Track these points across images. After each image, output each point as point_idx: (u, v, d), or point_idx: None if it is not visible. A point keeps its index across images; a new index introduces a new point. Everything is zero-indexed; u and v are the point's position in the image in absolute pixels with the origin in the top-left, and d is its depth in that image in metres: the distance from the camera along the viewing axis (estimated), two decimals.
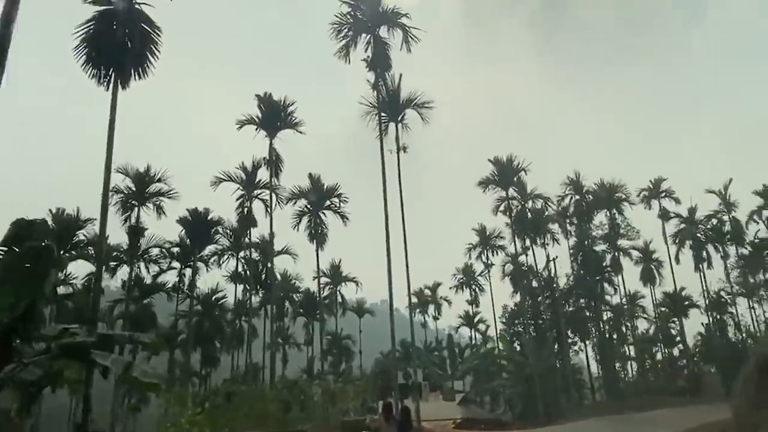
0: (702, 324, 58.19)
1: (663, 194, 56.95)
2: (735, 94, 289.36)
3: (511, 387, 41.77)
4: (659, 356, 67.65)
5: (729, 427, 13.02)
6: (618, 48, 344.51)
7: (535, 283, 51.51)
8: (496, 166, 44.53)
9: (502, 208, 46.51)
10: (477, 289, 63.33)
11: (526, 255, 52.47)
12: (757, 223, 53.38)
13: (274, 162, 35.00)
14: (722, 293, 58.33)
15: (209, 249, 40.36)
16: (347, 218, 36.69)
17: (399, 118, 31.53)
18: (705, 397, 45.35)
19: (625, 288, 54.70)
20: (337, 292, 56.67)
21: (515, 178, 44.95)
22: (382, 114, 31.32)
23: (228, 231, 39.68)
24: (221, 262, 40.96)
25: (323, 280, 57.71)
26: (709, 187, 55.02)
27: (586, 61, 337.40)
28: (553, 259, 47.48)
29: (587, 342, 60.10)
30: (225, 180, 37.33)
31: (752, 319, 53.73)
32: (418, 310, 68.22)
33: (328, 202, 38.40)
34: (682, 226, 56.47)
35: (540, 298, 49.36)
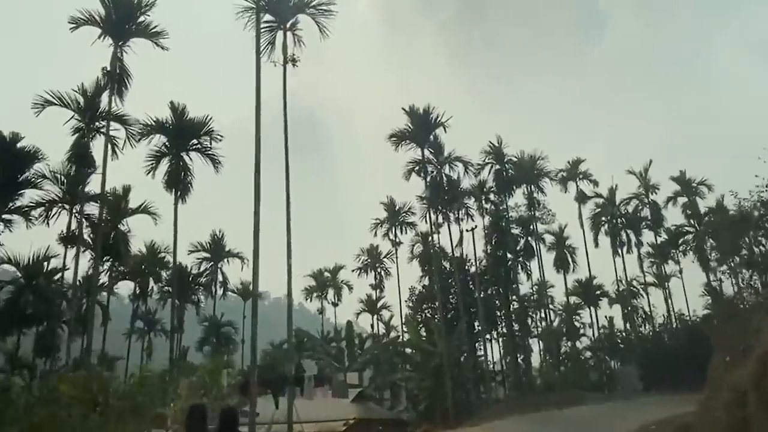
0: (624, 314, 55.46)
1: (580, 176, 53.32)
2: (625, 106, 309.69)
3: (416, 380, 35.21)
4: (563, 349, 64.88)
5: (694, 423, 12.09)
6: (523, 60, 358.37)
7: (447, 265, 45.50)
8: (412, 117, 37.75)
9: (417, 172, 39.67)
10: (383, 273, 56.76)
11: (439, 233, 46.46)
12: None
13: (117, 78, 25.84)
14: (634, 283, 55.82)
15: (29, 197, 29.71)
16: (219, 163, 28.10)
17: (288, 25, 23.84)
18: (623, 393, 41.62)
19: (542, 275, 50.32)
20: (218, 270, 47.61)
21: (432, 136, 38.51)
22: (268, 19, 23.45)
23: (58, 175, 29.48)
24: (49, 216, 30.52)
25: (201, 255, 48.53)
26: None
27: (494, 70, 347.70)
28: (472, 230, 41.58)
29: (495, 333, 55.75)
30: (54, 103, 27.55)
31: (668, 311, 51.33)
32: (315, 295, 60.47)
33: (194, 141, 29.76)
34: (599, 210, 53.16)
35: (451, 280, 43.38)
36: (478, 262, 49.54)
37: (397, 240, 50.04)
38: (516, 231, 53.09)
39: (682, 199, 52.70)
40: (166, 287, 44.87)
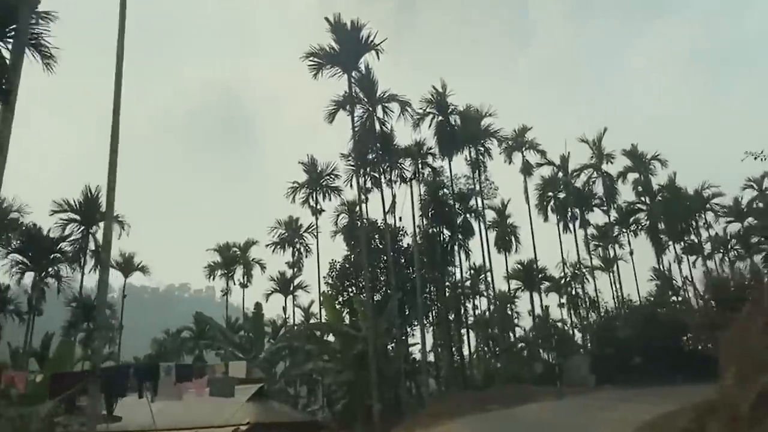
0: (567, 299, 50.42)
1: (526, 145, 47.71)
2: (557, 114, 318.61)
3: (334, 373, 27.78)
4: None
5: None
6: (457, 62, 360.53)
7: (378, 238, 38.31)
8: (337, 33, 29.39)
9: (344, 106, 31.65)
10: (303, 249, 48.77)
11: (367, 199, 39.17)
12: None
13: None
14: (580, 265, 51.09)
15: None
16: (50, 55, 19.06)
17: None
18: (578, 388, 36.17)
19: (487, 256, 44.12)
20: (90, 237, 37.84)
21: (362, 65, 30.90)
22: None
23: None
24: None
25: (67, 216, 38.48)
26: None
27: (431, 68, 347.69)
28: (412, 183, 34.53)
29: (426, 320, 49.55)
30: None
31: (615, 297, 46.74)
32: (219, 273, 51.54)
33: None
34: (546, 182, 47.74)
35: (382, 255, 36.29)
36: (416, 236, 43.02)
37: (319, 207, 42.38)
38: (456, 206, 46.98)
39: (632, 176, 48.50)
40: (17, 255, 34.84)
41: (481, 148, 41.27)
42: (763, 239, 56.46)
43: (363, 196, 38.00)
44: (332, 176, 41.60)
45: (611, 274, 50.22)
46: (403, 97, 33.37)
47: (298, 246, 48.38)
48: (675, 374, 35.11)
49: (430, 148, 40.71)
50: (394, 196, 37.06)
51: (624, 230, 46.39)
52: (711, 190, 49.67)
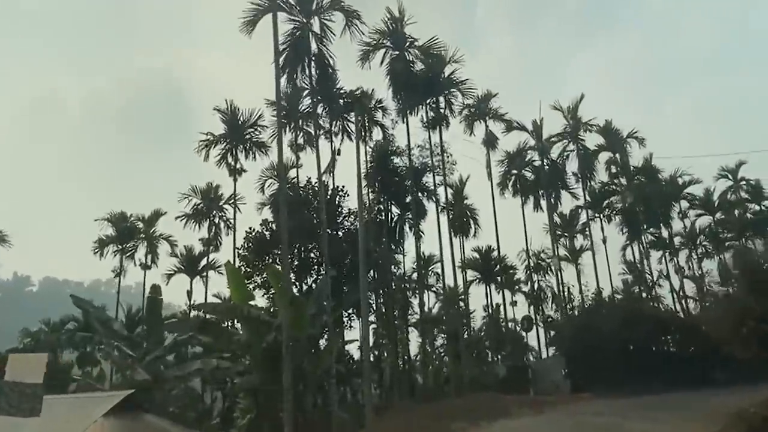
0: (530, 294, 43.88)
1: (490, 114, 40.99)
2: None
3: (235, 374, 19.66)
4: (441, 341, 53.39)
5: None
6: None
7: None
8: None
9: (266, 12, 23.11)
10: (223, 223, 39.86)
11: (298, 159, 31.19)
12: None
13: None
14: (543, 255, 44.89)
15: None
16: None
17: None
18: (548, 395, 29.47)
19: (446, 243, 36.84)
20: None
21: None
22: None
23: None
24: None
25: None
26: None
27: None
28: (359, 143, 26.78)
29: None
30: None
31: (580, 292, 40.49)
32: (113, 250, 41.79)
33: None
34: (509, 156, 41.10)
35: (317, 229, 28.36)
36: (362, 206, 35.49)
37: (240, 167, 33.79)
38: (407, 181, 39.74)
39: (606, 155, 42.77)
40: None
41: (443, 102, 34.01)
42: (734, 235, 52.45)
43: (293, 155, 30.06)
44: (257, 128, 33.23)
45: (576, 265, 44.42)
46: (350, 7, 25.36)
47: (216, 219, 39.54)
48: (654, 379, 29.25)
49: (381, 101, 33.15)
50: (334, 152, 29.24)
51: (597, 215, 40.46)
52: (686, 177, 44.82)
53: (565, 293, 38.61)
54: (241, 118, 33.03)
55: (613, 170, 41.82)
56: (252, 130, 33.26)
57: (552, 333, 38.61)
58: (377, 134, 37.01)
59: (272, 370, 17.76)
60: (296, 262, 25.69)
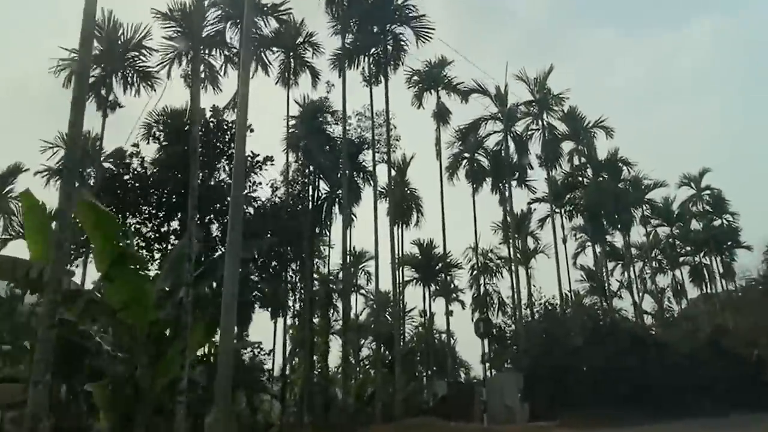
0: (474, 298, 37.29)
1: (443, 84, 34.65)
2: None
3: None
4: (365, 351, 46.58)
5: None
6: None
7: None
8: None
9: None
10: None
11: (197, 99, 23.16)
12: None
13: None
14: (491, 255, 38.75)
15: None
16: None
17: None
18: (501, 424, 22.77)
19: (390, 235, 29.75)
20: None
21: None
22: None
23: None
24: None
25: None
26: None
27: None
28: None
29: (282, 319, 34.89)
30: None
31: (529, 299, 34.34)
32: None
33: None
34: (461, 134, 34.63)
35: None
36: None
37: (114, 100, 25.10)
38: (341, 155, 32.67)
39: (569, 145, 37.32)
40: None
41: (391, 43, 27.18)
42: (689, 249, 48.68)
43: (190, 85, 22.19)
44: (144, 52, 24.88)
45: (526, 269, 38.60)
46: None
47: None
48: (629, 406, 23.70)
49: (312, 36, 25.91)
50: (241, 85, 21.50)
51: (557, 211, 34.77)
52: (650, 179, 40.24)
53: (517, 299, 32.35)
54: (122, 37, 24.61)
55: (576, 162, 36.47)
56: (136, 53, 24.92)
57: (500, 345, 32.30)
58: (305, 85, 29.71)
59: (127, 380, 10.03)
60: (161, 215, 17.68)
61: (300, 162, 31.20)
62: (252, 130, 17.75)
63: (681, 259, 47.88)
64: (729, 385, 30.39)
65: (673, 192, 45.42)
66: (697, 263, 47.43)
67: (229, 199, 17.53)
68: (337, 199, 32.78)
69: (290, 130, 29.32)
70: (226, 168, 18.24)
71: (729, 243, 45.46)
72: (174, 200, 17.18)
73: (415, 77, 34.48)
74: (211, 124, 18.55)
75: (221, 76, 25.20)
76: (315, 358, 33.89)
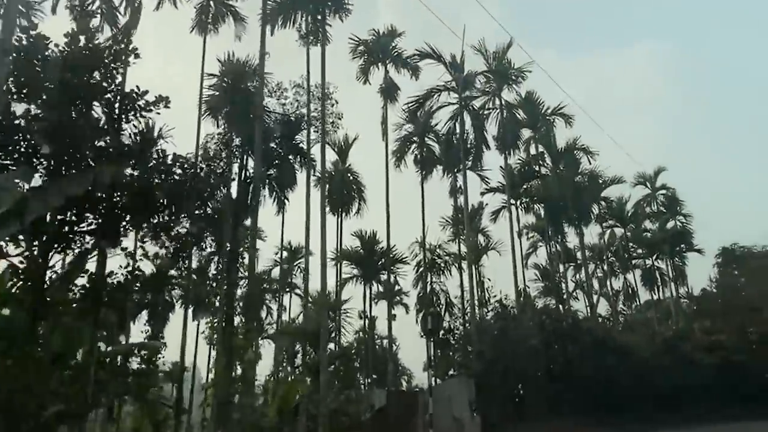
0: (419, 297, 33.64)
1: (392, 57, 31.15)
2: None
3: None
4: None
5: None
6: None
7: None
8: None
9: None
10: None
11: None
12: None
13: None
14: (439, 251, 35.35)
15: None
16: None
17: None
18: None
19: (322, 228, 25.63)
20: None
21: None
22: None
23: None
24: None
25: None
26: None
27: None
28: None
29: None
30: None
31: (480, 296, 31.04)
32: None
33: None
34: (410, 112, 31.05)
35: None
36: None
37: None
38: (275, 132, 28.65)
39: (526, 133, 34.46)
40: None
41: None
42: (642, 252, 47.02)
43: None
44: None
45: (476, 267, 35.44)
46: None
47: None
48: (592, 414, 20.85)
49: None
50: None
51: (513, 202, 31.73)
52: (608, 174, 37.94)
53: (468, 297, 28.99)
54: None
55: (533, 152, 33.64)
56: None
57: (446, 349, 28.81)
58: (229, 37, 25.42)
59: None
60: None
61: (224, 135, 26.85)
62: (137, 56, 13.41)
63: (633, 261, 46.23)
64: (691, 392, 28.39)
65: (628, 191, 43.71)
66: (649, 266, 45.86)
67: None
68: (268, 181, 28.62)
69: (210, 93, 24.94)
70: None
71: (682, 246, 44.05)
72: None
73: (361, 47, 30.86)
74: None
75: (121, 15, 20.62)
76: (238, 364, 29.59)
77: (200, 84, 23.87)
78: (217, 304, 27.04)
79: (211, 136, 26.75)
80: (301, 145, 29.59)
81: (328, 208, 31.59)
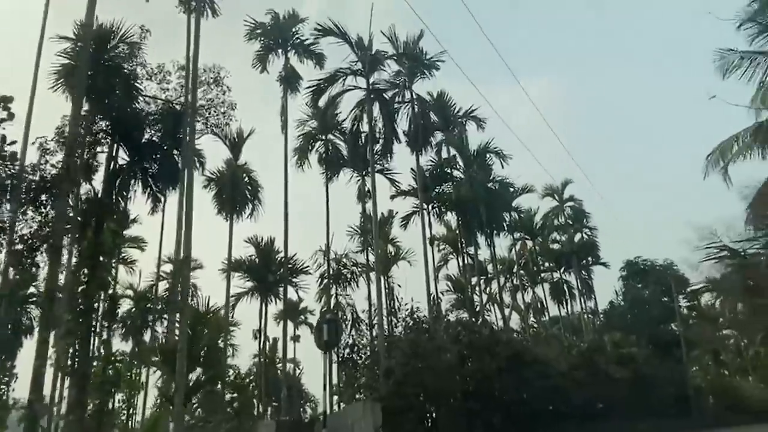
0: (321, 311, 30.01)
1: (293, 43, 28.06)
2: None
3: None
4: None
5: None
6: None
7: None
8: None
9: None
10: None
11: None
12: None
13: None
14: (345, 260, 32.14)
15: None
16: None
17: None
18: None
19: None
20: None
21: None
22: None
23: None
24: None
25: None
26: None
27: None
28: None
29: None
30: None
31: (390, 310, 28.04)
32: None
33: None
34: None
35: None
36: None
37: None
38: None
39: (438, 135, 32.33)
40: None
41: None
42: (549, 265, 46.56)
43: None
44: None
45: (386, 279, 32.67)
46: None
47: None
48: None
49: None
50: None
51: (425, 207, 29.30)
52: (518, 183, 36.79)
53: (376, 311, 25.93)
54: None
55: (445, 155, 31.55)
56: None
57: (352, 368, 25.46)
58: None
59: None
60: None
61: (86, 117, 22.26)
62: None
63: (542, 275, 45.63)
64: (606, 406, 27.23)
65: (536, 203, 43.18)
66: (557, 280, 45.45)
67: None
68: (141, 173, 24.23)
69: (65, 59, 20.49)
70: None
71: (589, 258, 44.01)
72: None
73: (259, 31, 27.50)
74: None
75: None
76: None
77: (39, 47, 19.34)
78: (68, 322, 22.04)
79: (74, 119, 22.12)
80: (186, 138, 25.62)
81: (216, 211, 27.69)
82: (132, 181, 24.01)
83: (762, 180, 19.36)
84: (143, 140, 24.33)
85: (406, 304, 22.76)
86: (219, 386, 36.78)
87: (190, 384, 13.21)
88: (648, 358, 33.68)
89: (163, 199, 23.93)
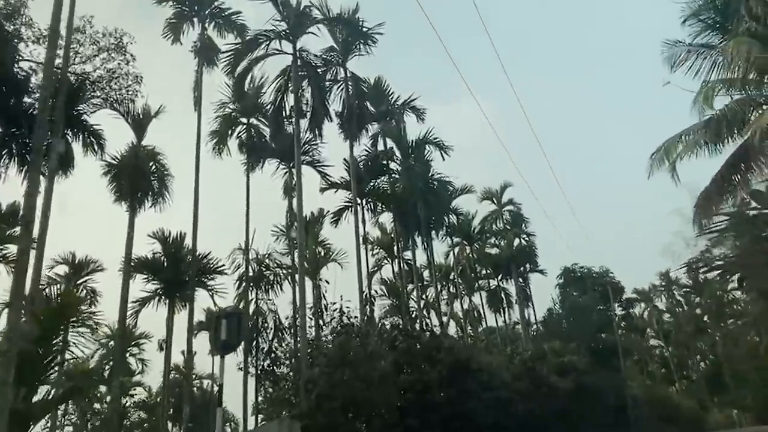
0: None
1: (210, 11, 24.75)
2: None
3: None
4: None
5: None
6: None
7: None
8: None
9: None
10: None
11: None
12: None
13: None
14: (268, 261, 28.65)
15: None
16: None
17: None
18: None
19: None
20: None
21: None
22: None
23: None
24: None
25: None
26: None
27: None
28: None
29: None
30: None
31: (316, 316, 24.74)
32: None
33: None
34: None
35: None
36: None
37: None
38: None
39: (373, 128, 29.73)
40: None
41: None
42: (486, 272, 44.85)
43: None
44: None
45: (317, 281, 29.58)
46: None
47: None
48: None
49: None
50: None
51: (358, 202, 26.45)
52: (457, 182, 34.71)
53: (300, 317, 22.69)
54: None
55: (381, 147, 28.96)
56: None
57: (273, 383, 22.02)
58: None
59: None
60: None
61: None
62: None
63: (479, 282, 43.89)
64: (550, 418, 25.34)
65: (474, 207, 41.37)
66: (494, 287, 43.80)
67: None
68: (22, 148, 20.18)
69: None
70: None
71: (527, 265, 42.65)
72: None
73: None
74: None
75: None
76: None
77: None
78: None
79: None
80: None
81: (113, 199, 23.71)
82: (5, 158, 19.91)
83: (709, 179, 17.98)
84: (23, 110, 20.32)
85: (334, 303, 19.78)
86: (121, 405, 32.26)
87: (29, 401, 9.51)
88: (588, 366, 32.38)
89: (42, 180, 19.80)
